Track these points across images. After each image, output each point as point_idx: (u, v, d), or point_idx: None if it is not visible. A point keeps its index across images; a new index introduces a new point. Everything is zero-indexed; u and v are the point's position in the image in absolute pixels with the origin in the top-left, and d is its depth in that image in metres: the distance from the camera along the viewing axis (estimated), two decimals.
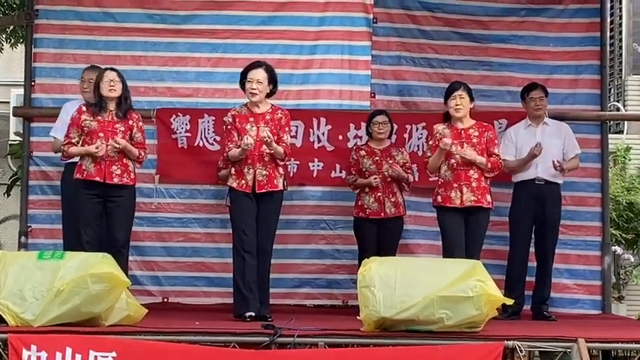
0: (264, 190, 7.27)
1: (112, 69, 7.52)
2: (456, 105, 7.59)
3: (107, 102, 7.37)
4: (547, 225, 8.19)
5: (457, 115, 7.62)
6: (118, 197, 7.35)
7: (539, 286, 8.24)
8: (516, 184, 8.26)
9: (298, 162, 8.82)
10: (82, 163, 7.36)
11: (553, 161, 8.07)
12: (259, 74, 7.33)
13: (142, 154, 7.50)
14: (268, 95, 7.42)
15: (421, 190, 8.65)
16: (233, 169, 7.34)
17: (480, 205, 7.55)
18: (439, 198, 7.62)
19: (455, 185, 7.54)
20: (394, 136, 8.47)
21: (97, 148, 7.25)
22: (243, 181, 7.27)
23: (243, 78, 7.39)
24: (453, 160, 7.56)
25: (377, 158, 8.16)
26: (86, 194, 7.33)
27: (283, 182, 7.41)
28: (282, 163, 7.41)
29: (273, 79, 7.41)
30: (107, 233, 7.39)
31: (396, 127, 8.48)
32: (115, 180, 7.33)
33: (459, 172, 7.55)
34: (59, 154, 7.90)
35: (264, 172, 7.28)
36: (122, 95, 7.41)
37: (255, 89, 7.30)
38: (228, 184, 7.38)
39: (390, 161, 8.13)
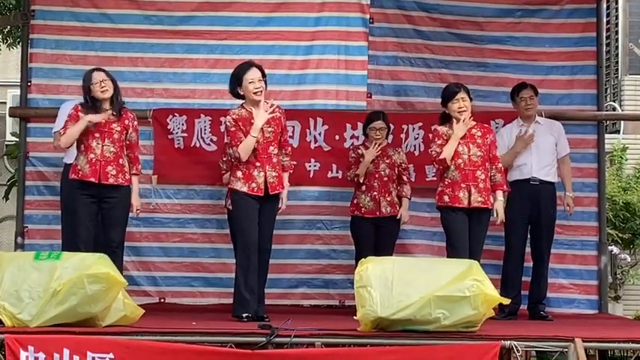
0: (276, 192, 7.25)
1: (99, 69, 7.46)
2: (459, 108, 7.53)
3: (101, 102, 7.36)
4: (542, 225, 8.18)
5: (461, 118, 7.55)
6: (112, 198, 7.34)
7: (534, 286, 8.22)
8: (511, 184, 8.25)
9: (295, 162, 8.80)
10: (78, 164, 7.34)
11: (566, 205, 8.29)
12: (258, 73, 7.27)
13: (139, 167, 7.52)
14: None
15: (418, 191, 8.63)
16: (240, 172, 7.22)
17: (486, 206, 7.56)
18: (446, 198, 7.51)
19: (463, 185, 7.48)
20: (390, 136, 8.47)
21: (90, 120, 7.21)
22: (254, 184, 7.17)
23: (237, 81, 7.25)
24: (460, 160, 7.50)
25: (374, 158, 8.16)
26: (81, 195, 7.31)
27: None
28: (288, 165, 7.41)
29: (265, 77, 7.37)
30: (102, 234, 7.37)
31: (392, 127, 8.47)
32: (111, 180, 7.30)
33: (466, 172, 7.49)
34: (61, 155, 7.91)
35: (274, 174, 7.24)
36: (114, 94, 7.37)
37: (259, 88, 7.24)
38: (236, 187, 7.20)
39: (387, 161, 8.14)
